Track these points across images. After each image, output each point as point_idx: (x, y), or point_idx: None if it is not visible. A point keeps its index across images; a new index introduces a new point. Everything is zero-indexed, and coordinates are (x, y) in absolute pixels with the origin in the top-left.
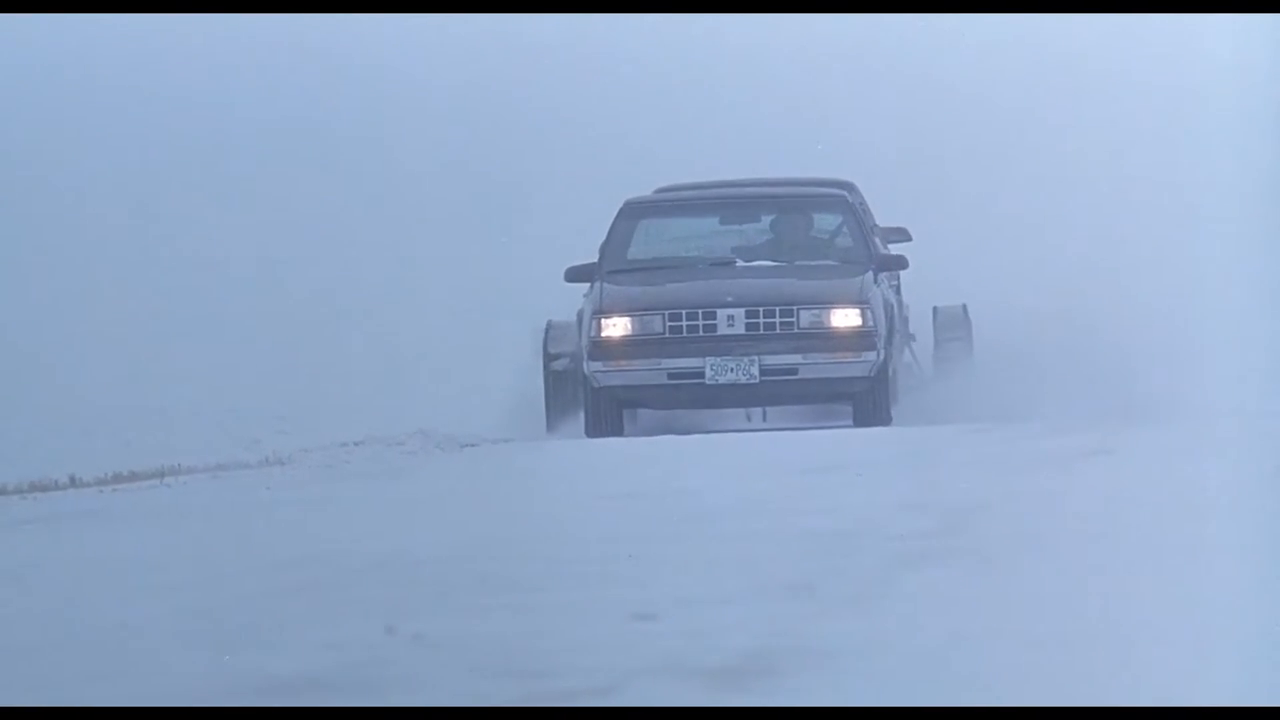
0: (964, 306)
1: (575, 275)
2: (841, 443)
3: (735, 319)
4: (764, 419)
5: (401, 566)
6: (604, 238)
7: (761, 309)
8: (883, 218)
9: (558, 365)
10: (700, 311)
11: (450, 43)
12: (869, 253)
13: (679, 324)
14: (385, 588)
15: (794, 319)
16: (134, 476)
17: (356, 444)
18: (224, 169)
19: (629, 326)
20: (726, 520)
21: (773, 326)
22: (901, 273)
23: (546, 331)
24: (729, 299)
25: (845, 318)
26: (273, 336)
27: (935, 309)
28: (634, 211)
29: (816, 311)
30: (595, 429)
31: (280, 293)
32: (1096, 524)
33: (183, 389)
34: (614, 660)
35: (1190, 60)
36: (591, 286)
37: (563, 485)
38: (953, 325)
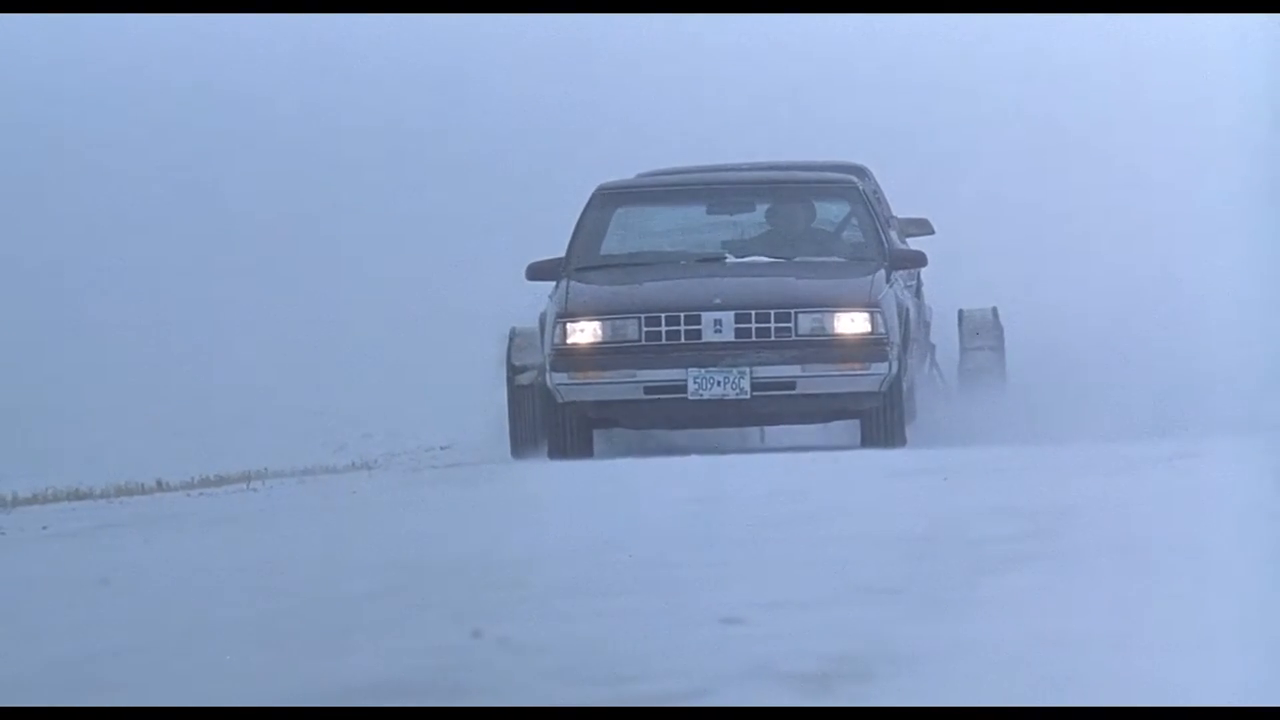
0: (994, 310)
1: (539, 273)
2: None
3: (723, 324)
4: (761, 439)
5: (486, 570)
6: (572, 229)
7: (754, 312)
8: (900, 208)
9: (524, 379)
10: (682, 315)
11: (436, 39)
12: (881, 247)
13: (657, 329)
14: (470, 591)
15: (792, 324)
16: (220, 480)
17: (442, 448)
18: (280, 168)
19: (599, 332)
20: (811, 525)
21: (767, 333)
22: (922, 271)
23: (510, 340)
24: (716, 300)
25: (852, 323)
26: (358, 340)
27: (961, 313)
28: (607, 199)
29: (818, 315)
30: (559, 450)
31: (363, 297)
32: (1181, 528)
33: (269, 394)
34: (702, 664)
35: (1219, 60)
36: (556, 286)
37: (644, 491)
38: (981, 331)
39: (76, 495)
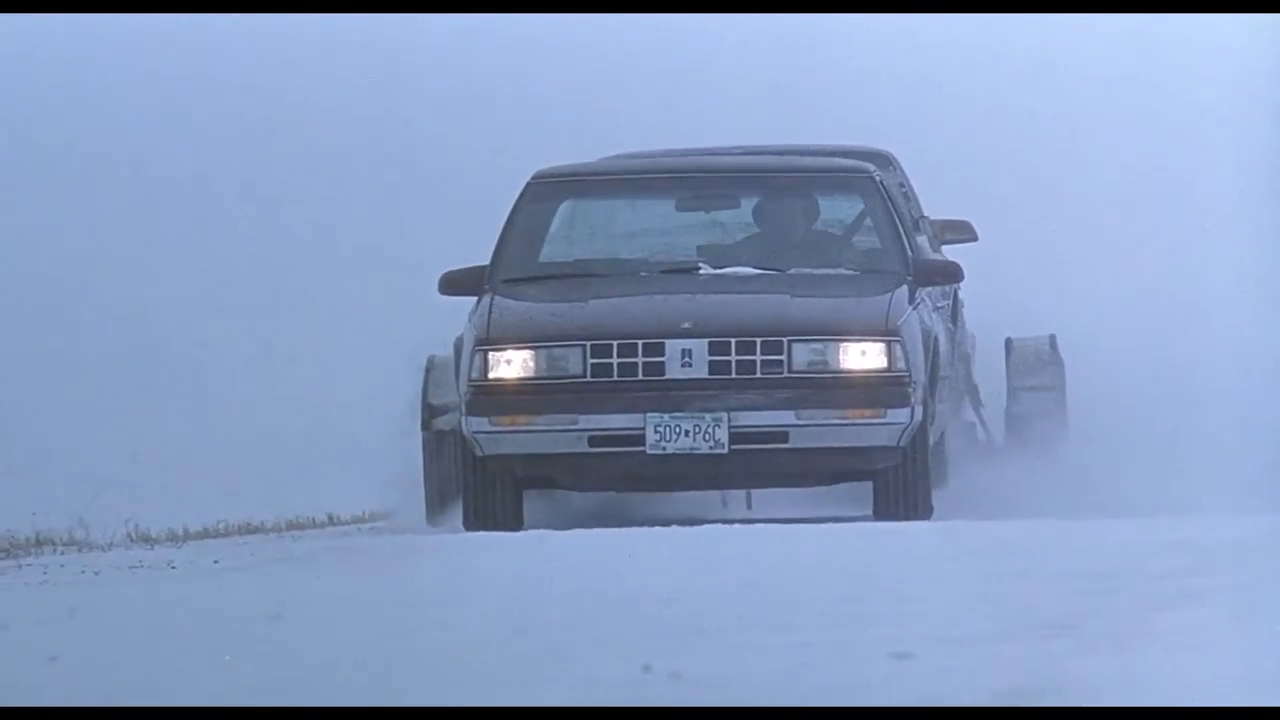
0: (1052, 339)
1: (456, 285)
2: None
3: (694, 355)
4: (748, 506)
5: (654, 605)
6: (499, 229)
7: (734, 340)
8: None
9: (443, 422)
10: (640, 343)
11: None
12: (904, 256)
13: (607, 361)
14: (639, 625)
15: (784, 356)
16: (389, 514)
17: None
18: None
19: (530, 364)
20: (982, 559)
21: (751, 368)
22: (962, 289)
23: (426, 372)
24: (685, 324)
25: (863, 356)
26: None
27: (1009, 343)
28: (546, 191)
29: (819, 346)
30: (479, 518)
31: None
32: None
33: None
34: (873, 699)
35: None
36: (477, 303)
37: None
38: (1035, 367)
39: (247, 529)
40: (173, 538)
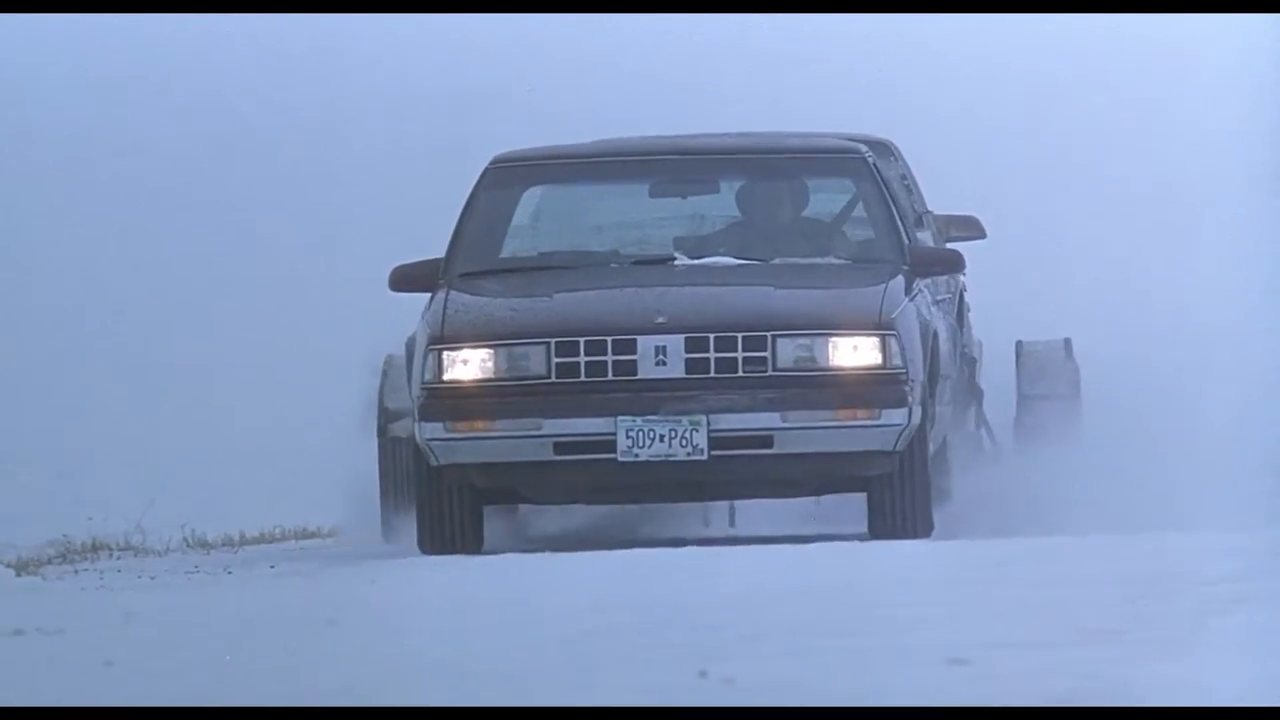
0: (1066, 342)
1: (408, 280)
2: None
3: (669, 352)
4: (731, 523)
5: (707, 611)
6: (456, 219)
7: (713, 336)
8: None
9: (400, 428)
10: (610, 340)
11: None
12: (899, 245)
13: (574, 360)
14: (693, 632)
15: (768, 353)
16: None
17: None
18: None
19: (488, 364)
20: (1034, 565)
21: (732, 366)
22: (963, 288)
23: (384, 374)
24: (659, 319)
25: (855, 351)
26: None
27: (1019, 346)
28: (506, 176)
29: (806, 341)
30: (434, 538)
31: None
32: None
33: None
34: (929, 705)
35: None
36: (432, 299)
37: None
38: (1048, 373)
39: (303, 534)
40: (229, 543)
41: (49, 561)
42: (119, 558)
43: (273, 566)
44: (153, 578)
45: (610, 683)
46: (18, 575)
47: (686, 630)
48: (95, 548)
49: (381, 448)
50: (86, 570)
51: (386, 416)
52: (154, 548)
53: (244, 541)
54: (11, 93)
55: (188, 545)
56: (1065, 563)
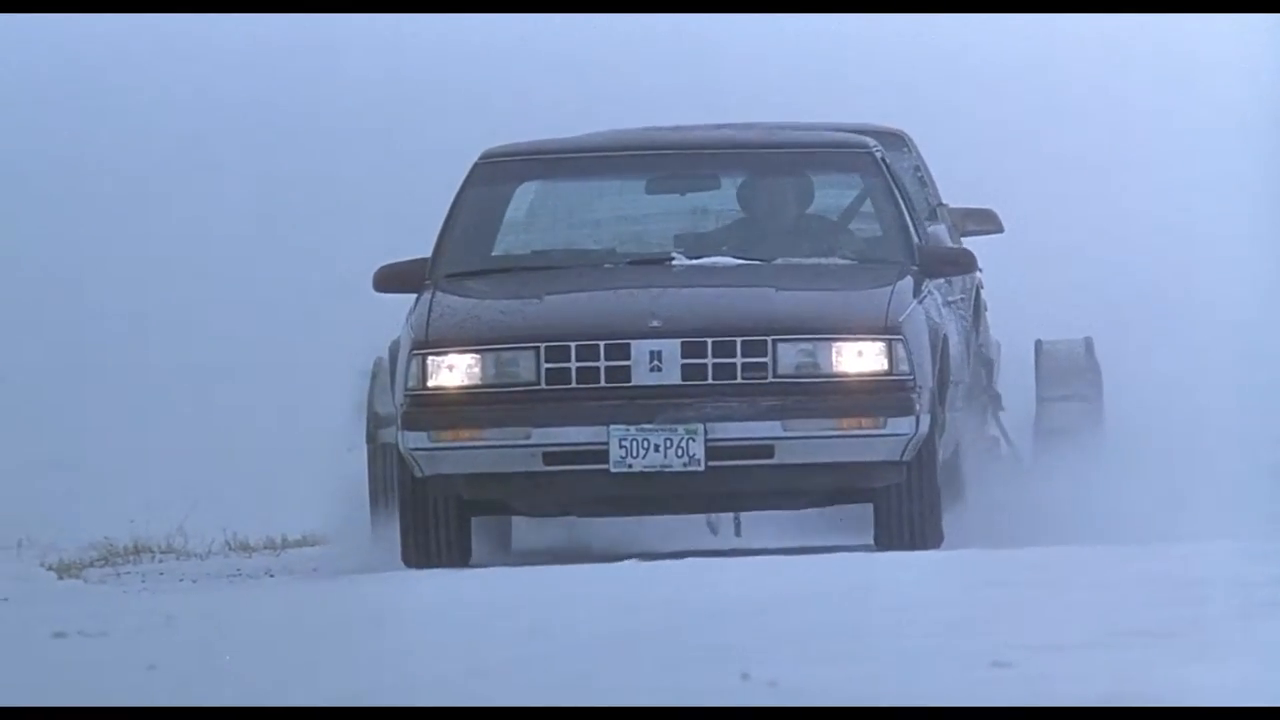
0: (1087, 341)
1: (393, 281)
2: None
3: (664, 358)
4: (736, 533)
5: (748, 614)
6: (444, 217)
7: (710, 341)
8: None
9: (389, 435)
10: (603, 345)
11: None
12: (908, 244)
13: (564, 366)
14: (734, 634)
15: (768, 358)
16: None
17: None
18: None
19: (475, 370)
20: (1070, 569)
21: (730, 371)
22: (980, 285)
23: (373, 378)
24: (654, 322)
25: (860, 357)
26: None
27: (1039, 346)
28: (497, 171)
29: (809, 346)
30: (419, 549)
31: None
32: None
33: None
34: (974, 705)
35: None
36: (416, 301)
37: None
38: (1068, 373)
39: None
40: (270, 546)
41: (91, 564)
42: (161, 560)
43: (315, 569)
44: (194, 581)
45: (647, 684)
46: (60, 578)
47: (725, 632)
48: (137, 550)
49: (371, 454)
50: (128, 573)
51: (375, 422)
52: (196, 550)
53: (286, 545)
54: (12, 93)
55: (229, 548)
56: (1101, 568)
